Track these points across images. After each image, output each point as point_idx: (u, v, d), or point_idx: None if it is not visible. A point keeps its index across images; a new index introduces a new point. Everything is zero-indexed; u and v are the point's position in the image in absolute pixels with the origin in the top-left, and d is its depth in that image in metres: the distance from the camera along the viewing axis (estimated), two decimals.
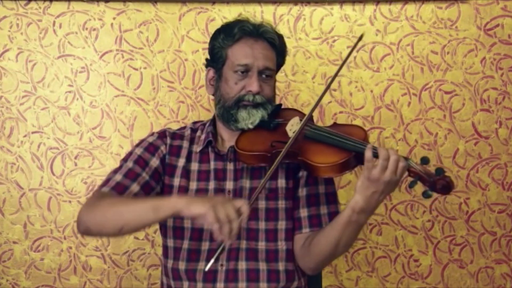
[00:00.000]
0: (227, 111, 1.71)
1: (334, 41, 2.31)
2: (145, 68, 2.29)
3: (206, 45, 2.25)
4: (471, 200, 2.35)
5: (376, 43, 2.32)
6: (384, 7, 2.31)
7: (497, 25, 2.33)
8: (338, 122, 2.29)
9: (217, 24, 2.26)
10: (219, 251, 1.46)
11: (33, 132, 2.28)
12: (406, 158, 1.49)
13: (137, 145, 1.77)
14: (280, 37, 1.77)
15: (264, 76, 1.70)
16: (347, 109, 2.32)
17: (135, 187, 1.66)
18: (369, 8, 2.31)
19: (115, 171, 1.70)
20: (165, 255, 1.74)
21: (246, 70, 1.69)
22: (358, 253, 2.34)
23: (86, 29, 2.27)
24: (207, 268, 1.50)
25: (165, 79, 2.29)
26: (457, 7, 2.32)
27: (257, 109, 1.69)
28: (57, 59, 2.28)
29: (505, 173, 2.35)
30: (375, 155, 1.48)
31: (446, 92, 2.34)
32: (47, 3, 2.26)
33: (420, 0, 2.32)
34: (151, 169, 1.71)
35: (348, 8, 2.31)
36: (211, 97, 2.24)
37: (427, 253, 2.35)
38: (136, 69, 2.29)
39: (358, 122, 2.31)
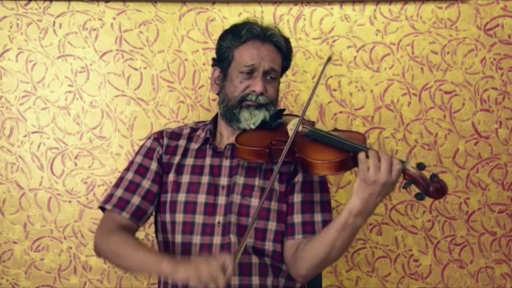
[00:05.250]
0: (230, 110, 1.73)
1: (334, 41, 2.31)
2: (145, 68, 2.29)
3: (206, 45, 2.28)
4: (471, 200, 2.35)
5: (376, 43, 2.32)
6: (384, 7, 2.31)
7: (497, 25, 2.33)
8: (338, 122, 2.31)
9: (217, 24, 2.27)
10: None
11: (33, 132, 2.27)
12: (402, 161, 1.50)
13: (137, 153, 1.82)
14: (287, 41, 1.80)
15: (268, 77, 1.73)
16: (347, 109, 2.32)
17: (136, 199, 1.72)
18: (369, 8, 2.31)
19: (117, 185, 1.76)
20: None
21: (251, 71, 1.71)
22: (358, 253, 2.33)
23: (86, 29, 2.27)
24: None
25: (165, 79, 2.29)
26: (457, 7, 2.32)
27: (260, 110, 1.72)
28: (57, 59, 2.28)
29: (505, 173, 2.35)
30: (368, 157, 1.50)
31: (446, 92, 2.34)
32: (47, 3, 2.26)
33: (420, 0, 2.32)
34: (152, 173, 1.76)
35: (348, 8, 2.31)
36: (212, 97, 2.26)
37: (427, 253, 2.35)
38: (136, 69, 2.29)
39: (358, 122, 2.31)
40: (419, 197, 1.48)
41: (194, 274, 1.44)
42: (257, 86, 1.70)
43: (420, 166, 1.49)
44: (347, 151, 1.55)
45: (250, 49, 1.72)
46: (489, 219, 2.35)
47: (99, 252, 1.70)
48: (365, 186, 1.48)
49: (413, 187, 1.50)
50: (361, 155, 1.49)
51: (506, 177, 2.35)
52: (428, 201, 2.33)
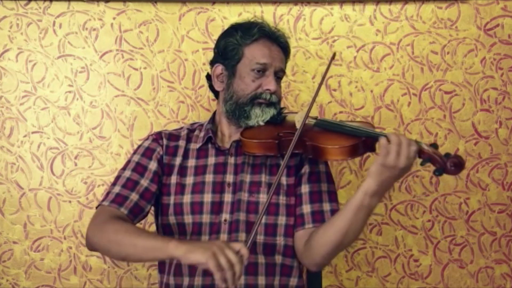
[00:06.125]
0: (240, 107, 1.74)
1: (334, 41, 2.31)
2: (145, 68, 2.29)
3: (206, 45, 2.28)
4: (471, 200, 2.35)
5: (376, 43, 2.32)
6: (384, 7, 2.31)
7: (497, 25, 2.33)
8: None
9: (217, 24, 2.27)
10: None
11: (33, 132, 2.28)
12: (416, 141, 1.51)
13: (134, 152, 1.80)
14: (288, 43, 1.83)
15: (277, 77, 1.77)
16: (347, 109, 2.32)
17: (134, 196, 1.70)
18: (369, 8, 2.31)
19: (114, 183, 1.73)
20: None
21: (263, 69, 1.74)
22: (358, 253, 2.33)
23: (86, 29, 2.27)
24: None
25: (165, 79, 2.29)
26: (457, 7, 2.32)
27: (270, 107, 1.75)
28: (57, 59, 2.28)
29: (505, 173, 2.35)
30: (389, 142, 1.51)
31: (446, 92, 2.34)
32: (47, 3, 2.26)
33: (420, 0, 2.32)
34: (150, 172, 1.75)
35: (348, 8, 2.31)
36: (211, 97, 2.26)
37: (427, 253, 2.35)
38: (136, 69, 2.29)
39: None
40: (437, 172, 1.49)
41: (212, 260, 1.36)
42: (271, 85, 1.73)
43: (434, 145, 1.51)
44: (359, 136, 1.58)
45: (262, 48, 1.75)
46: (489, 219, 2.35)
47: (93, 245, 1.63)
48: (383, 170, 1.49)
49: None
50: (383, 140, 1.50)
51: (506, 177, 2.35)
52: (428, 201, 2.33)
